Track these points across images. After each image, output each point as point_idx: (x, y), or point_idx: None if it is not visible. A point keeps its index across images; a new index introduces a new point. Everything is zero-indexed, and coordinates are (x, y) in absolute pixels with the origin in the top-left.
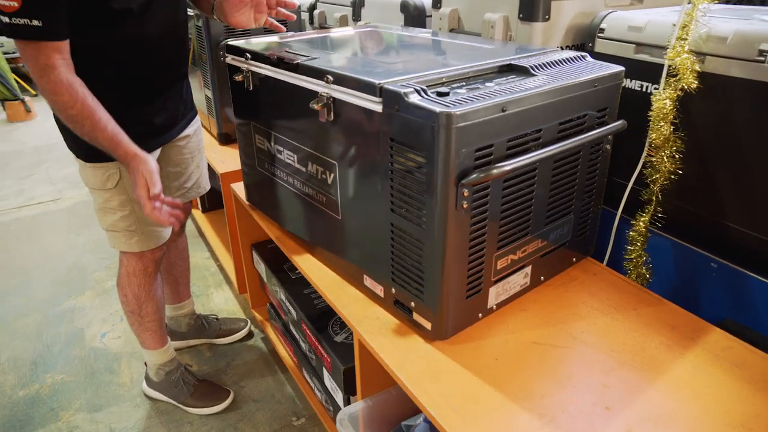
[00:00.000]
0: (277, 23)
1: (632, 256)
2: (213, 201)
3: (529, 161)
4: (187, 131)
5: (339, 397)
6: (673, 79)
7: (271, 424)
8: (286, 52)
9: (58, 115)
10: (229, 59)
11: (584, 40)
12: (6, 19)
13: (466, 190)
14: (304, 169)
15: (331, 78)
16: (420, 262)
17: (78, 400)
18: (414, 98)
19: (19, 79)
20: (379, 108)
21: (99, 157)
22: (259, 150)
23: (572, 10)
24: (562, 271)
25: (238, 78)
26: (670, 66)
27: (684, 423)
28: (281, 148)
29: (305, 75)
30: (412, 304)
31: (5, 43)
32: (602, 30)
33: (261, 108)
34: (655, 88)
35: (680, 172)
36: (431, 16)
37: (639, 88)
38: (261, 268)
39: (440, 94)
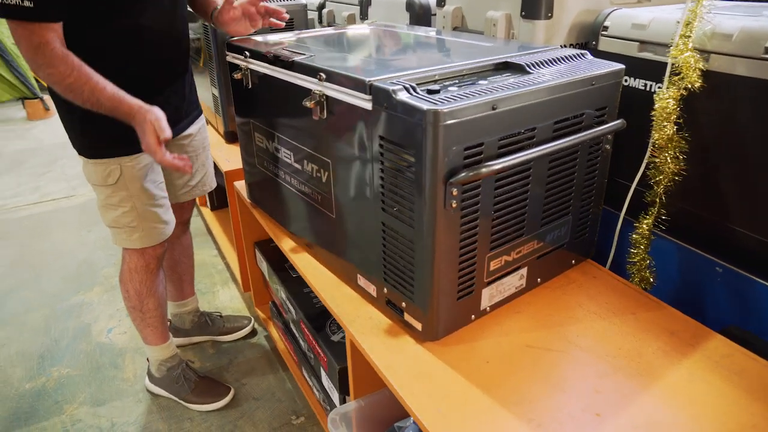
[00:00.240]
0: (277, 22)
1: (635, 260)
2: (221, 199)
3: (520, 160)
4: (191, 130)
5: (335, 396)
6: (676, 78)
7: (271, 422)
8: (283, 49)
9: (57, 89)
10: (230, 57)
11: (588, 38)
12: None
13: (455, 189)
14: (300, 168)
15: (323, 75)
16: (410, 262)
17: (82, 394)
18: (402, 95)
19: (38, 78)
20: (368, 106)
21: (100, 153)
22: (259, 148)
23: (576, 8)
24: (560, 273)
25: (237, 76)
26: (673, 64)
27: None
28: (279, 147)
29: (300, 72)
30: (403, 304)
31: None
32: (606, 28)
33: (260, 106)
34: (658, 87)
35: (684, 173)
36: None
37: (643, 87)
38: (263, 266)
39: (430, 92)
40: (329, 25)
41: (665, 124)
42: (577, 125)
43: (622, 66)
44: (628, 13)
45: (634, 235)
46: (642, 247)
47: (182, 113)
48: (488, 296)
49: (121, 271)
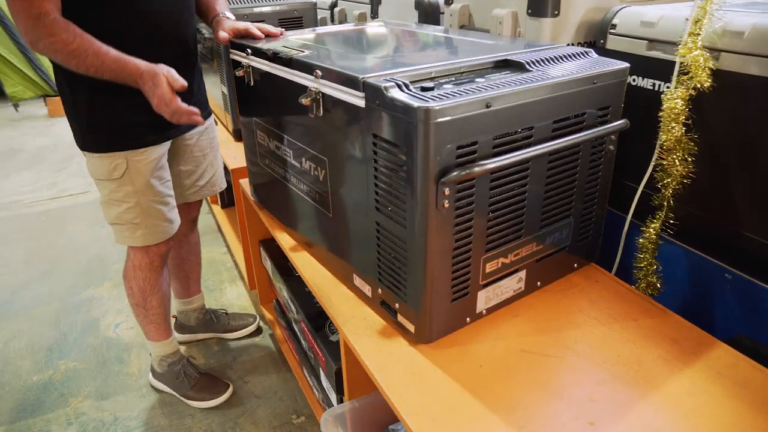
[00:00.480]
0: (274, 32)
1: (642, 264)
2: (230, 197)
3: (515, 160)
4: (199, 128)
5: (333, 397)
6: (685, 77)
7: (271, 421)
8: (282, 47)
9: (58, 58)
10: (233, 54)
11: (597, 36)
12: None
13: (447, 189)
14: (299, 166)
15: (319, 73)
16: (403, 263)
17: (87, 388)
18: (394, 92)
19: (38, 52)
20: (362, 103)
21: (107, 146)
22: (261, 146)
23: (584, 6)
24: (561, 276)
25: (239, 73)
26: (682, 63)
27: None
28: (279, 144)
29: (298, 69)
30: (397, 305)
31: None
32: (614, 26)
33: (261, 103)
34: (667, 87)
35: (693, 176)
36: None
37: (651, 87)
38: (268, 264)
39: (424, 89)
40: (340, 24)
41: (673, 125)
42: (578, 125)
43: (627, 64)
44: (637, 11)
45: (640, 240)
46: (649, 251)
47: (198, 106)
48: (484, 299)
49: (125, 268)
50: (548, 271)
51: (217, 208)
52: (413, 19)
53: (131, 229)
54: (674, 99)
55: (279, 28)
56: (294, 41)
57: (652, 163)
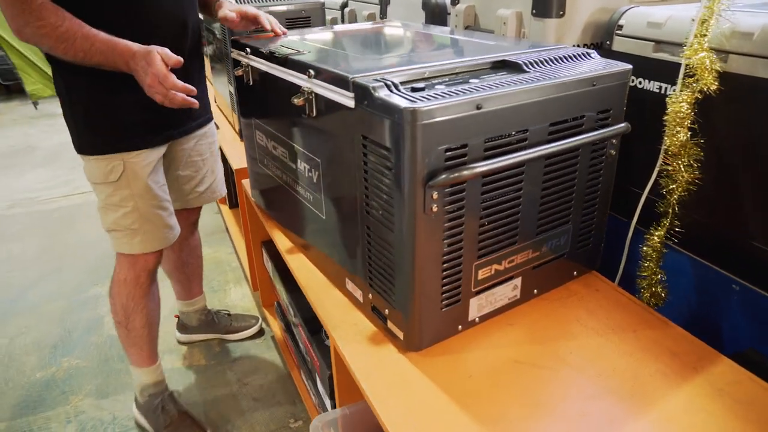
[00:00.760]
0: (278, 30)
1: (645, 273)
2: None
3: (506, 164)
4: (198, 133)
5: (328, 402)
6: (690, 80)
7: (268, 424)
8: (281, 46)
9: (46, 44)
10: (234, 54)
11: (603, 38)
12: None
13: (436, 193)
14: (294, 167)
15: (312, 72)
16: (392, 268)
17: (88, 386)
18: (381, 93)
19: (24, 40)
20: (351, 103)
21: (103, 148)
22: (259, 146)
23: (591, 6)
24: (560, 284)
25: (239, 72)
26: (687, 65)
27: None
28: (276, 145)
29: (293, 69)
30: (386, 311)
31: None
32: (620, 27)
33: (259, 103)
34: (672, 90)
35: (699, 182)
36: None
37: (657, 90)
38: (269, 266)
39: (415, 90)
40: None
41: (678, 129)
42: (577, 128)
43: (629, 66)
44: (644, 11)
45: (644, 248)
46: (653, 260)
47: (191, 112)
48: (477, 306)
49: (111, 283)
50: (545, 279)
51: (225, 208)
52: (421, 19)
53: (129, 235)
54: (679, 102)
55: (283, 28)
56: (294, 41)
57: (657, 169)
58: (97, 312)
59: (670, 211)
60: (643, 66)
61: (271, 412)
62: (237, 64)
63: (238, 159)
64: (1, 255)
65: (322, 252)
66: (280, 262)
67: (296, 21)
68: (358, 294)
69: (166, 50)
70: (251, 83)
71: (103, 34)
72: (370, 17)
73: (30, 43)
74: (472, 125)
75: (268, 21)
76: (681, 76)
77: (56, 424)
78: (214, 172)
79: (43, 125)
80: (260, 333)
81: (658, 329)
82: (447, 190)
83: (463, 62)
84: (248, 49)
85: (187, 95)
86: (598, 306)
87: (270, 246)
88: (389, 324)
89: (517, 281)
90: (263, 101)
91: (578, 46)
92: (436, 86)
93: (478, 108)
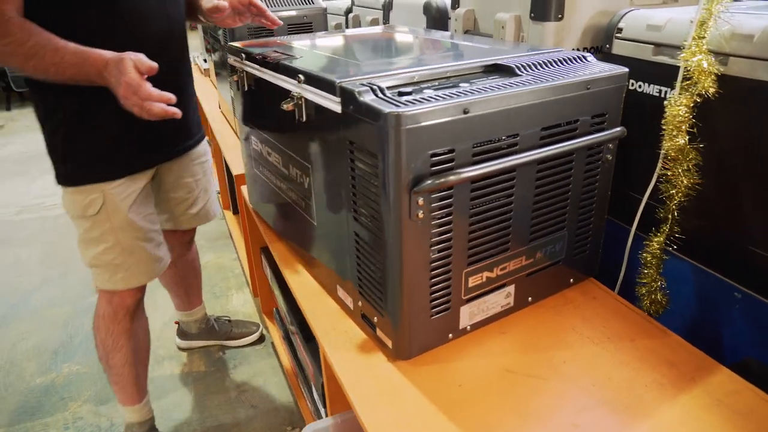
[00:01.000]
0: (274, 18)
1: (645, 281)
2: None
3: (495, 169)
4: (189, 154)
5: (322, 411)
6: (689, 83)
7: (266, 431)
8: (274, 52)
9: (15, 62)
10: (231, 60)
11: (603, 41)
12: None
13: (421, 199)
14: (287, 172)
15: (302, 77)
16: (380, 275)
17: (87, 392)
18: (366, 97)
19: None
20: (338, 108)
21: (80, 179)
22: (255, 152)
23: (590, 9)
24: (556, 292)
25: (234, 78)
26: (686, 68)
27: None
28: (270, 150)
29: (284, 74)
30: (375, 318)
31: None
32: (620, 30)
33: (253, 109)
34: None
35: (699, 187)
36: None
37: (657, 94)
38: (268, 272)
39: (402, 94)
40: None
41: (677, 133)
42: (570, 133)
43: (625, 69)
44: (644, 14)
45: (644, 254)
46: (653, 266)
47: (180, 130)
48: (468, 314)
49: (93, 315)
50: (540, 286)
51: (228, 214)
52: (423, 24)
53: (111, 271)
54: (678, 106)
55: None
56: (288, 46)
57: (656, 174)
58: None
59: (670, 216)
60: (643, 69)
61: (268, 420)
62: (234, 69)
63: (240, 165)
64: (9, 260)
65: (315, 258)
66: (278, 269)
67: (298, 26)
68: (349, 301)
69: (141, 56)
70: (246, 89)
71: (74, 45)
72: (374, 22)
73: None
74: (459, 130)
75: (264, 7)
76: (680, 79)
77: (54, 430)
78: (207, 192)
79: None
80: (261, 339)
81: (656, 338)
82: (434, 195)
83: (454, 66)
84: (243, 55)
85: (171, 104)
86: (595, 314)
87: (269, 252)
88: (378, 332)
89: (510, 289)
90: (258, 107)
91: (578, 49)
92: (424, 90)
93: (465, 112)
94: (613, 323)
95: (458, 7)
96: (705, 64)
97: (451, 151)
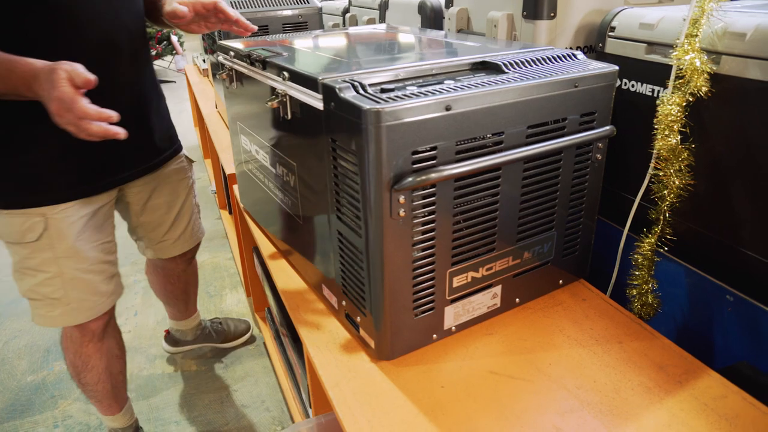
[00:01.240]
0: (246, 23)
1: (637, 282)
2: None
3: (478, 167)
4: (161, 172)
5: (309, 410)
6: (681, 82)
7: (255, 431)
8: (262, 49)
9: None
10: (220, 58)
11: (597, 40)
12: None
13: (402, 197)
14: (274, 171)
15: (286, 74)
16: (363, 275)
17: (77, 390)
18: (346, 94)
19: None
20: (320, 105)
21: (19, 200)
22: (244, 150)
23: (584, 8)
24: (545, 293)
25: (222, 76)
26: (678, 67)
27: None
28: (258, 149)
29: (270, 72)
30: (358, 318)
31: None
32: (613, 28)
33: (242, 107)
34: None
35: (691, 188)
36: None
37: (650, 93)
38: (259, 271)
39: (384, 91)
40: None
41: (668, 132)
42: (558, 131)
43: (615, 67)
44: (637, 13)
45: (635, 256)
46: (644, 268)
47: (145, 149)
48: (453, 315)
49: (61, 335)
50: (528, 287)
51: (225, 214)
52: (417, 23)
53: (48, 306)
54: (669, 105)
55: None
56: (278, 44)
57: (649, 174)
58: None
59: (662, 218)
60: (636, 69)
61: (259, 419)
62: (223, 67)
63: (231, 164)
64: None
65: (301, 257)
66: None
67: (293, 26)
68: (334, 300)
69: (76, 67)
70: (235, 87)
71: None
72: (370, 22)
73: None
74: (441, 127)
75: (233, 13)
76: (672, 77)
77: (43, 428)
78: (187, 215)
79: None
80: (251, 340)
81: (644, 340)
82: (416, 194)
83: (440, 63)
84: (231, 53)
85: (117, 122)
86: (584, 316)
87: (260, 251)
88: (362, 332)
89: (497, 289)
90: (246, 105)
91: (570, 48)
92: (408, 87)
93: (448, 109)
94: (601, 325)
95: (452, 6)
96: (698, 63)
97: (433, 148)
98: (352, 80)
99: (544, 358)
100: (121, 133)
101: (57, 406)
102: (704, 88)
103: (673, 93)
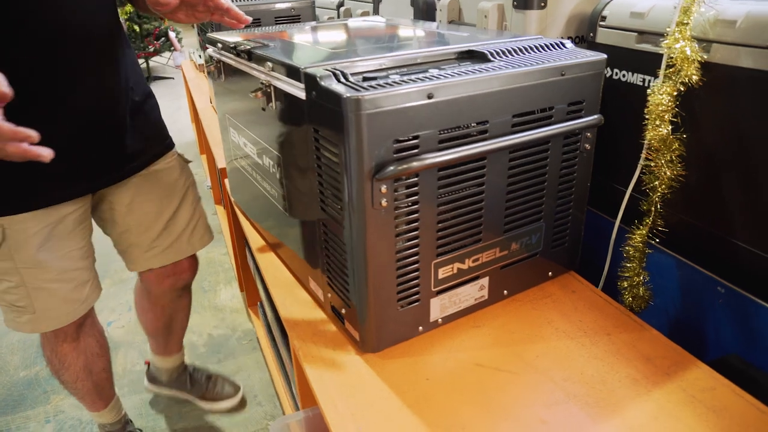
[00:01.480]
0: (238, 13)
1: (628, 275)
2: None
3: (462, 155)
4: (148, 174)
5: (300, 404)
6: (672, 71)
7: (247, 426)
8: (248, 40)
9: None
10: (210, 50)
11: (588, 30)
12: None
13: (384, 186)
14: (261, 162)
15: (270, 65)
16: (346, 266)
17: None
18: (328, 82)
19: None
20: (303, 94)
21: None
22: (233, 143)
23: None
24: (534, 285)
25: (211, 68)
26: (669, 55)
27: None
28: (246, 141)
29: (255, 63)
30: (343, 311)
31: None
32: (604, 18)
33: (230, 99)
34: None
35: (682, 179)
36: None
37: (641, 83)
38: (251, 265)
39: (366, 79)
40: None
41: (659, 122)
42: (545, 120)
43: (603, 56)
44: (628, 2)
45: (627, 248)
46: (636, 260)
47: (123, 152)
48: (439, 307)
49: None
50: (517, 279)
51: (219, 209)
52: (410, 15)
53: (16, 313)
54: (660, 94)
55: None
56: (266, 36)
57: (640, 165)
58: None
59: (653, 209)
60: (627, 58)
61: (251, 414)
62: (211, 59)
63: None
64: None
65: (289, 250)
66: None
67: (286, 19)
68: (320, 293)
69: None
70: (223, 79)
71: None
72: (364, 15)
73: None
74: (423, 116)
75: (224, 1)
76: (663, 66)
77: (35, 423)
78: (187, 220)
79: None
80: (243, 404)
81: (633, 332)
82: (398, 183)
83: (426, 53)
84: (219, 45)
85: (38, 142)
86: (573, 308)
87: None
88: (347, 324)
89: (484, 281)
90: (233, 97)
91: (562, 38)
92: (390, 76)
93: (430, 97)
94: (590, 317)
95: None
96: (688, 51)
97: (415, 137)
98: (334, 69)
99: (532, 351)
100: (45, 155)
101: (49, 402)
102: (695, 77)
103: (663, 82)
